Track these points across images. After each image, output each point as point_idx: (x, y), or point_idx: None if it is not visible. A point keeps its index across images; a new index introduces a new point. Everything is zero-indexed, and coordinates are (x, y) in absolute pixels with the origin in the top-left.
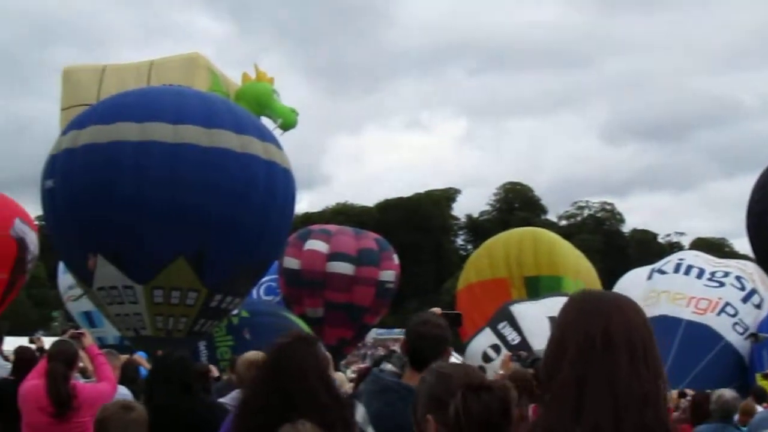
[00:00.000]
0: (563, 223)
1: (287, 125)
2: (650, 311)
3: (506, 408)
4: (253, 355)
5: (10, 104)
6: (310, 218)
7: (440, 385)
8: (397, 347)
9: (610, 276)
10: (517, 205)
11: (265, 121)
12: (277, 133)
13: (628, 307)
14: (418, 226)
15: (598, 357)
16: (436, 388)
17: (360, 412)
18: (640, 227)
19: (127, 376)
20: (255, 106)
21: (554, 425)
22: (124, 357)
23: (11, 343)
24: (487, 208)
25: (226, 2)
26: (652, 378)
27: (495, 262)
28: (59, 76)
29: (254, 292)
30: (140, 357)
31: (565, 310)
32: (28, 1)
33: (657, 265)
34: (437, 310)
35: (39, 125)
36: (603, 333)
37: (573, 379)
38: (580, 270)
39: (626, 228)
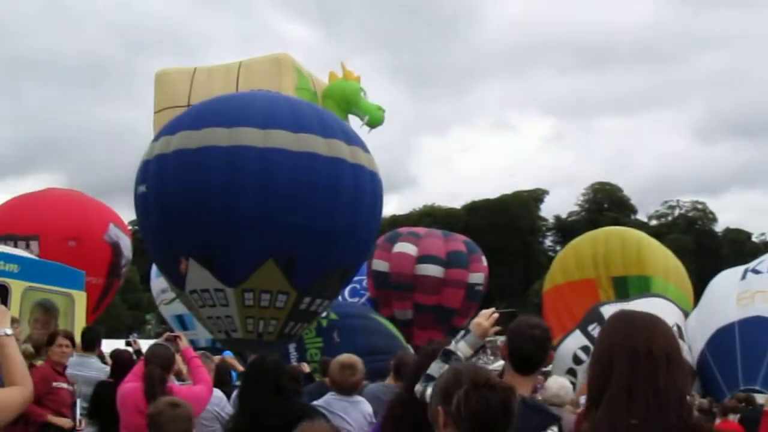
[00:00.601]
0: (653, 223)
1: (374, 122)
2: (744, 312)
3: (506, 406)
4: (345, 357)
5: (107, 112)
6: (397, 220)
7: (452, 380)
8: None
9: (702, 276)
10: (606, 206)
11: (353, 119)
12: (364, 130)
13: (661, 323)
14: (505, 227)
15: (642, 368)
16: (449, 383)
17: None
18: (733, 226)
19: (219, 378)
20: (342, 104)
21: (614, 421)
22: (217, 359)
23: (107, 345)
24: (576, 208)
25: (315, 8)
26: (683, 381)
27: (582, 262)
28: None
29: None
30: (232, 359)
31: (608, 330)
32: (124, 10)
33: (751, 265)
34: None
35: (134, 133)
36: (646, 349)
37: (623, 387)
38: (669, 269)
39: (719, 227)
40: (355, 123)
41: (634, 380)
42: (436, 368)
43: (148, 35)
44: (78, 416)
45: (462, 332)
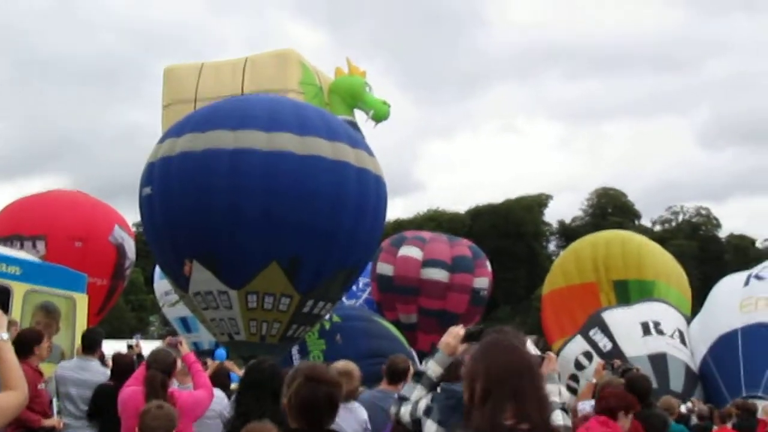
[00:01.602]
0: (657, 228)
1: (379, 117)
2: (747, 318)
3: (331, 398)
4: (342, 364)
5: (115, 114)
6: (401, 224)
7: (292, 374)
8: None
9: (706, 282)
10: (610, 211)
11: (358, 114)
12: (369, 124)
13: (521, 344)
14: (509, 232)
15: (510, 381)
16: (289, 377)
17: (432, 429)
18: (737, 232)
19: (218, 382)
20: (348, 99)
21: (480, 425)
22: (215, 363)
23: (110, 347)
24: (580, 213)
25: (324, 12)
26: (542, 388)
27: (583, 266)
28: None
29: None
30: (231, 363)
31: (479, 351)
32: (134, 11)
33: (754, 271)
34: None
35: (142, 135)
36: (516, 367)
37: (502, 395)
38: (670, 273)
39: (723, 233)
40: (360, 118)
41: (508, 390)
42: (409, 389)
43: (158, 37)
44: (55, 413)
45: (432, 351)
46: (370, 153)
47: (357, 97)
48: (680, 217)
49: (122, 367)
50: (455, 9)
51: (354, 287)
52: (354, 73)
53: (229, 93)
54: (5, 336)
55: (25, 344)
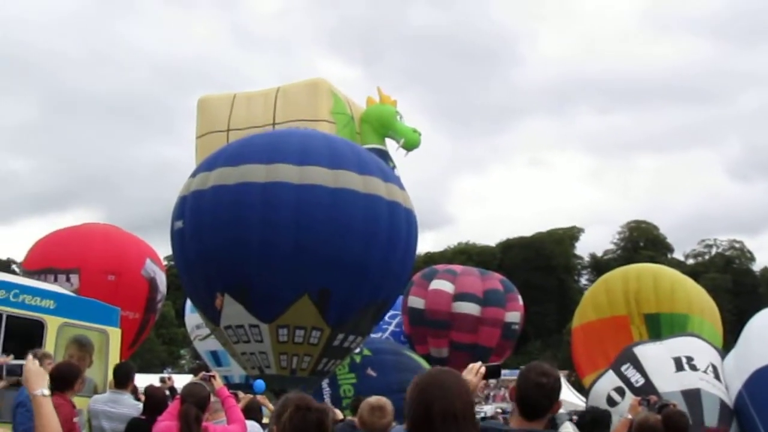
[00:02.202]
0: (690, 262)
1: (410, 145)
2: None
3: (321, 424)
4: (375, 399)
5: (147, 149)
6: (432, 258)
7: (282, 405)
8: None
9: (740, 316)
10: (642, 244)
11: (389, 143)
12: (401, 153)
13: (458, 384)
14: (540, 265)
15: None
16: (280, 407)
17: None
18: None
19: (251, 416)
20: (379, 128)
21: None
22: (246, 397)
23: (142, 380)
24: (611, 246)
25: (355, 47)
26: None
27: (614, 298)
28: (194, 119)
29: None
30: (263, 397)
31: (413, 386)
32: (166, 47)
33: None
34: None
35: (173, 170)
36: (444, 408)
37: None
38: (704, 307)
39: (757, 266)
40: (391, 146)
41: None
42: None
43: (188, 74)
44: None
45: None
46: (401, 187)
47: (388, 125)
48: (713, 251)
49: (155, 400)
50: (487, 44)
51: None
52: (385, 102)
53: (261, 123)
54: (46, 392)
55: (64, 378)
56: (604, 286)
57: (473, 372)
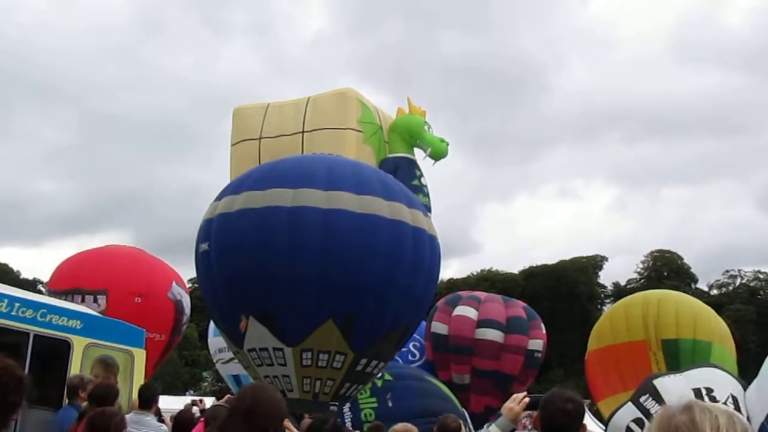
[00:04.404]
0: (714, 292)
1: (437, 154)
2: None
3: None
4: (402, 426)
5: (178, 172)
6: (454, 284)
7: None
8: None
9: (764, 347)
10: (665, 274)
11: (417, 152)
12: (428, 162)
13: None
14: (563, 293)
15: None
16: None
17: None
18: None
19: None
20: (407, 137)
21: None
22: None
23: (164, 402)
24: (635, 275)
25: (383, 73)
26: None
27: (633, 323)
28: (227, 147)
29: None
30: (286, 421)
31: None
32: (201, 69)
33: None
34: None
35: (200, 193)
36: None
37: None
38: (723, 338)
39: None
40: (419, 156)
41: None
42: None
43: (220, 99)
44: None
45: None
46: (425, 213)
47: (416, 135)
48: (738, 281)
49: (182, 422)
50: (516, 73)
51: (412, 353)
52: (414, 113)
53: (291, 131)
54: None
55: (103, 397)
56: (623, 310)
57: (517, 401)
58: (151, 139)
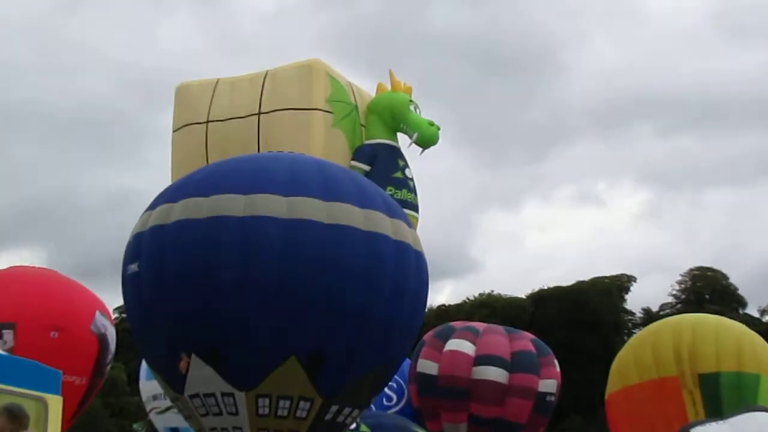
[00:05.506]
0: (767, 318)
1: (426, 141)
2: None
3: None
4: None
5: (101, 176)
6: (447, 311)
7: None
8: None
9: None
10: (707, 296)
11: (401, 138)
12: (414, 150)
13: None
14: (581, 322)
15: None
16: None
17: None
18: None
19: None
20: (389, 120)
21: None
22: None
23: None
24: (670, 299)
25: (360, 53)
26: None
27: (663, 356)
28: (167, 143)
29: None
30: None
31: None
32: (131, 56)
33: None
34: None
35: (131, 202)
36: None
37: None
38: None
39: None
40: (403, 143)
41: None
42: None
43: (159, 88)
44: None
45: None
46: (409, 224)
47: (399, 116)
48: None
49: None
50: (523, 51)
51: (387, 397)
52: (397, 89)
53: (245, 112)
54: None
55: None
56: (650, 339)
57: None
58: (71, 135)
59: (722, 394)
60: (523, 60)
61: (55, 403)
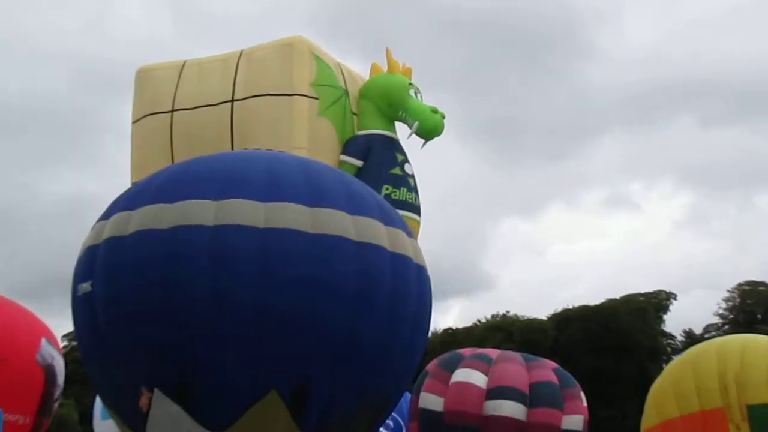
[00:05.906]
0: None
1: (428, 131)
2: None
3: None
4: None
5: (50, 179)
6: (454, 336)
7: None
8: None
9: None
10: (759, 317)
11: (399, 127)
12: (414, 142)
13: None
14: (612, 347)
15: None
16: None
17: None
18: None
19: None
20: (384, 106)
21: None
22: None
23: None
24: (716, 320)
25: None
26: None
27: (705, 385)
28: (125, 140)
29: None
30: None
31: None
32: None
33: None
34: None
35: (85, 208)
36: None
37: None
38: None
39: None
40: (402, 134)
41: None
42: None
43: (119, 73)
44: None
45: None
46: (409, 233)
47: (397, 102)
48: None
49: None
50: (546, 30)
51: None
52: (394, 71)
53: (216, 100)
54: None
55: None
56: (690, 365)
57: None
58: (13, 133)
59: None
60: (542, 39)
61: None
